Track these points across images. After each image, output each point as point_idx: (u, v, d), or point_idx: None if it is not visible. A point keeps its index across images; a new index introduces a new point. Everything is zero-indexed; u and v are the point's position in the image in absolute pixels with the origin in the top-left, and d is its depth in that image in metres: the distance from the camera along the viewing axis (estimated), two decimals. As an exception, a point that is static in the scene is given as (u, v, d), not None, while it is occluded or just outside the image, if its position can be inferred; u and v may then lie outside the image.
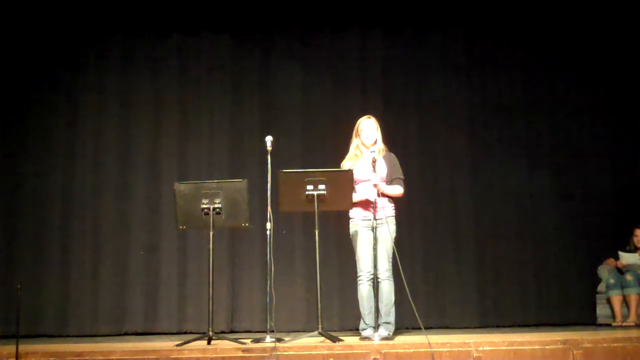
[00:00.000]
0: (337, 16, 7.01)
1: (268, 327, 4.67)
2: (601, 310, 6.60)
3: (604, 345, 4.19)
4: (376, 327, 4.55)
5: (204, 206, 4.62)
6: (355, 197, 4.75)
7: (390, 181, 4.89)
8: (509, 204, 6.92)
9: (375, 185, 4.65)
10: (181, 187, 4.71)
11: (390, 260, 4.80)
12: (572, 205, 6.92)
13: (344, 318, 6.39)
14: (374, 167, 4.65)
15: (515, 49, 7.10)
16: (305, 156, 6.68)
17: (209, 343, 4.52)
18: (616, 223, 6.77)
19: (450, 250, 6.82)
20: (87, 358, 4.10)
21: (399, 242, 4.85)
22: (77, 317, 6.46)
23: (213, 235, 4.65)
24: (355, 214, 4.88)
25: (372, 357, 4.06)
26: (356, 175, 4.85)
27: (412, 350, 4.10)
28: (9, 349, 4.07)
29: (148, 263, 6.62)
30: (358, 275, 4.86)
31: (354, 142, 5.02)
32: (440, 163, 6.96)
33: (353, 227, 4.91)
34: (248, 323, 6.53)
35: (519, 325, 6.52)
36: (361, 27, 7.04)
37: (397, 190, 4.91)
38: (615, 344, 4.20)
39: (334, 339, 4.35)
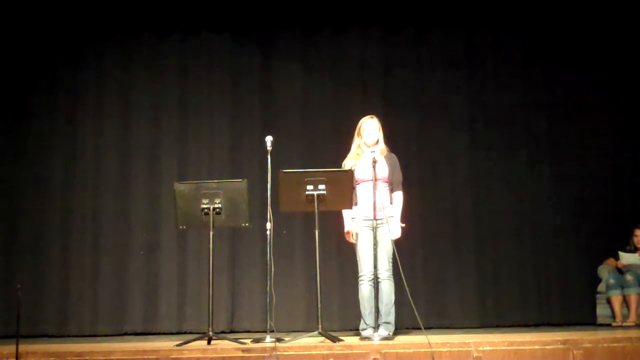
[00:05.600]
0: (337, 16, 7.01)
1: (268, 327, 4.67)
2: (601, 310, 6.60)
3: (604, 345, 4.18)
4: (376, 327, 4.55)
5: (204, 206, 4.62)
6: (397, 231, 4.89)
7: (390, 182, 4.91)
8: (509, 204, 6.92)
9: (403, 227, 4.91)
10: (181, 187, 4.71)
11: (391, 260, 4.81)
12: (572, 206, 6.91)
13: (344, 318, 6.39)
14: (374, 167, 4.66)
15: (515, 49, 7.10)
16: (305, 156, 6.68)
17: (209, 343, 4.52)
18: (616, 223, 6.76)
19: (450, 250, 6.82)
20: (87, 358, 4.09)
21: (399, 242, 4.84)
22: (77, 317, 6.46)
23: (213, 235, 4.65)
24: (356, 214, 4.89)
25: (372, 357, 4.05)
26: (357, 175, 4.86)
27: (412, 350, 4.10)
28: (9, 349, 4.07)
29: (148, 263, 6.62)
30: (359, 275, 4.86)
31: (356, 141, 5.03)
32: (440, 163, 6.96)
33: (354, 226, 4.91)
34: (248, 323, 6.53)
35: (519, 325, 6.52)
36: (361, 27, 7.04)
37: (401, 200, 4.95)
38: (615, 344, 4.20)
39: (334, 339, 4.35)
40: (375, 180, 4.66)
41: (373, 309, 4.62)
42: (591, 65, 7.07)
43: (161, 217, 6.65)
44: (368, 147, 4.91)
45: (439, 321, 6.56)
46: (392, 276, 4.81)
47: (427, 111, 6.99)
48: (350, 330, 5.87)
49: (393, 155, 5.02)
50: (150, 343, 5.13)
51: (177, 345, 4.31)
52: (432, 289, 6.71)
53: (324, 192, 4.54)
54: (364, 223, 4.85)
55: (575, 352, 4.12)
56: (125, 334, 6.43)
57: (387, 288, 4.79)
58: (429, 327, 6.11)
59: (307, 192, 4.55)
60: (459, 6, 7.05)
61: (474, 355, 4.09)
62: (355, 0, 7.00)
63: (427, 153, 6.94)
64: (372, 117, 5.01)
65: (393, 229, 4.83)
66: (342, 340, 4.42)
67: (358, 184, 4.87)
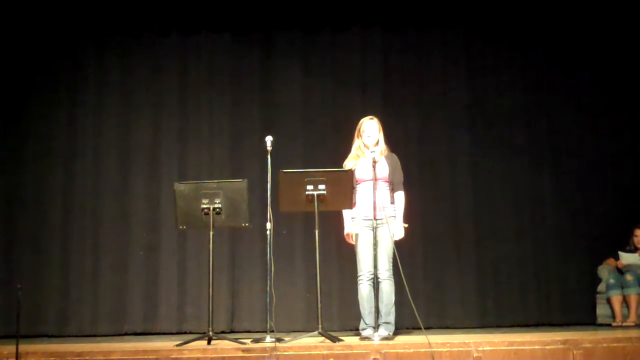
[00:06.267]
0: (337, 16, 7.01)
1: (268, 327, 4.67)
2: (601, 310, 6.59)
3: (604, 345, 4.19)
4: (376, 327, 4.56)
5: (204, 206, 4.62)
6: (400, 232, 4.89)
7: (391, 182, 4.90)
8: (509, 204, 6.92)
9: (405, 227, 4.91)
10: (181, 187, 4.71)
11: (391, 260, 4.81)
12: (572, 206, 6.91)
13: (344, 318, 6.39)
14: (374, 167, 4.66)
15: (516, 49, 7.10)
16: (305, 156, 6.68)
17: (209, 343, 4.52)
18: (616, 223, 6.76)
19: (450, 250, 6.82)
20: (87, 358, 4.10)
21: (399, 242, 4.84)
22: (77, 317, 6.46)
23: (213, 235, 4.65)
24: (356, 214, 4.89)
25: (372, 357, 4.06)
26: (358, 175, 4.87)
27: (412, 350, 4.10)
28: (9, 349, 4.07)
29: (148, 263, 6.62)
30: (358, 275, 4.86)
31: (356, 142, 5.03)
32: (440, 163, 6.96)
33: (354, 227, 4.91)
34: (248, 323, 6.52)
35: (519, 325, 6.51)
36: (361, 27, 7.04)
37: (403, 200, 4.95)
38: (615, 344, 4.20)
39: (334, 339, 4.36)
40: (376, 180, 4.66)
41: (373, 309, 4.63)
42: (591, 65, 7.07)
43: (161, 217, 6.65)
44: (368, 148, 4.91)
45: (439, 321, 6.56)
46: (392, 276, 4.82)
47: (427, 111, 6.99)
48: (350, 330, 5.87)
49: (393, 155, 5.02)
50: (150, 343, 5.14)
51: (177, 345, 4.31)
52: (432, 289, 6.71)
53: (324, 192, 4.55)
54: (363, 223, 4.85)
55: (575, 352, 4.12)
56: (126, 334, 6.43)
57: (388, 288, 4.79)
58: (429, 327, 6.11)
59: (307, 192, 4.56)
60: (459, 7, 7.05)
61: (474, 355, 4.09)
62: (355, 0, 7.00)
63: (427, 153, 6.93)
64: (372, 118, 5.01)
65: (396, 229, 4.83)
66: (342, 340, 4.42)
67: (358, 183, 4.88)
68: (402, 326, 5.63)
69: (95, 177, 6.72)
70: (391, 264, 4.81)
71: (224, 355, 4.11)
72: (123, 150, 6.78)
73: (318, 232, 4.58)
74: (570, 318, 6.63)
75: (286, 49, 6.98)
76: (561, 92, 7.09)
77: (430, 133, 6.97)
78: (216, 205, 4.62)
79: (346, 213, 4.94)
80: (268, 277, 4.73)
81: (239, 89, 6.93)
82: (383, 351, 4.08)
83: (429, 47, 7.08)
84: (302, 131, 6.88)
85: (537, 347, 4.15)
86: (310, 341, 4.40)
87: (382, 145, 4.97)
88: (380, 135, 4.98)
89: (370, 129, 4.96)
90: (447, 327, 6.48)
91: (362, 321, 4.84)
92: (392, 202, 4.92)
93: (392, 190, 4.93)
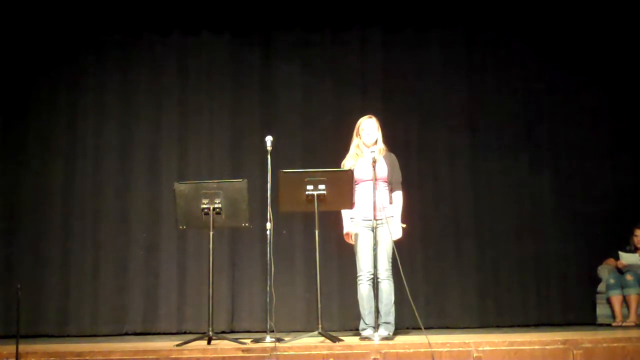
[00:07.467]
0: (337, 16, 7.01)
1: (268, 327, 4.67)
2: (601, 310, 6.59)
3: (604, 345, 4.19)
4: (376, 327, 4.55)
5: (204, 206, 4.62)
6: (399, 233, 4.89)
7: (389, 182, 4.90)
8: (509, 203, 6.92)
9: (403, 228, 4.90)
10: (181, 187, 4.71)
11: (390, 260, 4.80)
12: (572, 205, 6.92)
13: (344, 318, 6.39)
14: (374, 167, 4.65)
15: (515, 49, 7.10)
16: (305, 156, 6.68)
17: (209, 343, 4.52)
18: (616, 223, 6.76)
19: (450, 250, 6.82)
20: (87, 358, 4.10)
21: (399, 242, 4.84)
22: (77, 317, 6.46)
23: (213, 235, 4.65)
24: (355, 214, 4.89)
25: (372, 357, 4.06)
26: (357, 175, 4.85)
27: (412, 350, 4.10)
28: (9, 349, 4.07)
29: (148, 263, 6.62)
30: (358, 275, 4.86)
31: (355, 141, 5.02)
32: (440, 163, 6.96)
33: (353, 227, 4.91)
34: (248, 323, 6.53)
35: (519, 325, 6.52)
36: (361, 27, 7.04)
37: (401, 200, 4.94)
38: (615, 344, 4.20)
39: (334, 339, 4.35)
40: (375, 180, 4.66)
41: (372, 309, 4.62)
42: (591, 66, 7.07)
43: (161, 217, 6.65)
44: (367, 147, 4.91)
45: (439, 321, 6.56)
46: (391, 276, 4.81)
47: (427, 111, 6.99)
48: (350, 330, 5.86)
49: (392, 154, 5.01)
50: (150, 343, 5.13)
51: (177, 345, 4.31)
52: (432, 289, 6.71)
53: (324, 192, 4.55)
54: (363, 223, 4.84)
55: (575, 352, 4.12)
56: (126, 334, 6.43)
57: (387, 288, 4.78)
58: (429, 327, 6.11)
59: (307, 192, 4.55)
60: (459, 6, 7.05)
61: (474, 355, 4.09)
62: (355, 1, 7.00)
63: (427, 153, 6.93)
64: (370, 117, 5.01)
65: (394, 229, 4.82)
66: (342, 340, 4.42)
67: (357, 184, 4.87)
68: (402, 326, 5.62)
69: (95, 177, 6.72)
70: (390, 264, 4.81)
71: (224, 355, 4.11)
72: (123, 150, 6.78)
73: (318, 232, 4.58)
74: (570, 318, 6.64)
75: (286, 49, 6.99)
76: (561, 92, 7.09)
77: (430, 133, 6.97)
78: (216, 205, 4.62)
79: (345, 213, 4.93)
80: (268, 277, 4.73)
81: (239, 89, 6.94)
82: (383, 351, 4.08)
83: (429, 47, 7.08)
84: (302, 131, 6.88)
85: (537, 347, 4.15)
86: (310, 341, 4.40)
87: (381, 145, 4.97)
88: (378, 134, 4.98)
89: (369, 128, 4.96)
90: (447, 327, 6.49)
91: (362, 321, 4.83)
92: (391, 202, 4.91)
93: (391, 190, 4.93)
